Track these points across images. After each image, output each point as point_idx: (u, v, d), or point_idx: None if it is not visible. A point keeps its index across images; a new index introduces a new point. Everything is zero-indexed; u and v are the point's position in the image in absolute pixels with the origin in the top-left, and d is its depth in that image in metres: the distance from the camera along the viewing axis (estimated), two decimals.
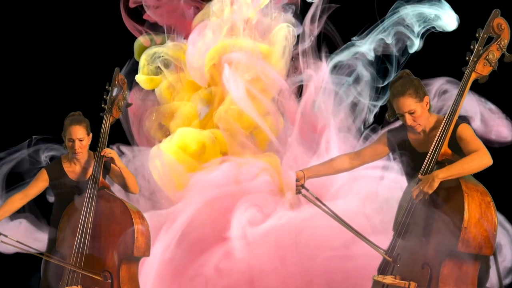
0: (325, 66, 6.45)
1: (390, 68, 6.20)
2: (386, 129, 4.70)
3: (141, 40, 6.82)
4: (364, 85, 6.33)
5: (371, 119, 6.34)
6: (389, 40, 6.09)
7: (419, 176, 4.31)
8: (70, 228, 5.06)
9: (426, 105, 4.42)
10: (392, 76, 6.16)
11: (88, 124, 5.20)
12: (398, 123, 4.62)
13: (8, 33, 7.14)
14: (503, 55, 4.31)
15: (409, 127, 4.44)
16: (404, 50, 6.09)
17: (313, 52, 6.57)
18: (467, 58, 4.34)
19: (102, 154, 5.14)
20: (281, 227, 5.99)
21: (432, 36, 5.90)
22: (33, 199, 5.31)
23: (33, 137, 6.25)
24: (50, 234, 5.29)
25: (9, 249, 5.41)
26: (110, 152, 5.17)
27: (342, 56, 6.38)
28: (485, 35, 4.29)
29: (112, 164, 5.24)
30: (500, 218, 4.70)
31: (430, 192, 4.23)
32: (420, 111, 4.40)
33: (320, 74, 6.46)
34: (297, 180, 4.56)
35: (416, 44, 6.00)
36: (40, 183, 5.25)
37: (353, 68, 6.36)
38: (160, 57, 6.76)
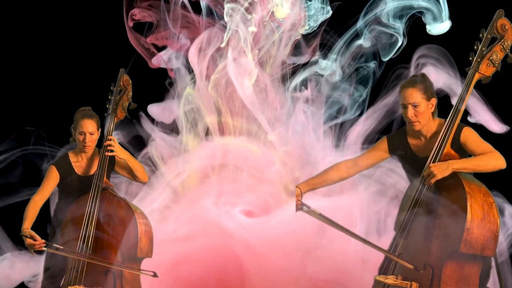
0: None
1: (370, 77, 6.06)
2: (384, 136, 4.69)
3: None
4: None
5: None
6: (367, 43, 5.95)
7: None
8: (73, 227, 5.05)
9: (432, 107, 4.43)
10: (370, 87, 6.08)
11: (98, 120, 5.22)
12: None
13: (11, 34, 7.17)
14: (506, 56, 4.31)
15: (408, 121, 4.43)
16: (388, 51, 5.92)
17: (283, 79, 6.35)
18: (470, 58, 4.35)
19: (106, 148, 5.14)
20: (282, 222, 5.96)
21: (434, 36, 5.82)
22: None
23: (31, 129, 6.23)
24: (50, 232, 5.26)
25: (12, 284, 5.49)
26: (111, 146, 5.14)
27: (302, 77, 6.18)
28: (489, 36, 4.30)
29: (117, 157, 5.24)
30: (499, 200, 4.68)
31: (439, 177, 4.22)
32: (423, 108, 4.40)
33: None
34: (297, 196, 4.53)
35: (400, 42, 5.86)
36: (52, 181, 5.18)
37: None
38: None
